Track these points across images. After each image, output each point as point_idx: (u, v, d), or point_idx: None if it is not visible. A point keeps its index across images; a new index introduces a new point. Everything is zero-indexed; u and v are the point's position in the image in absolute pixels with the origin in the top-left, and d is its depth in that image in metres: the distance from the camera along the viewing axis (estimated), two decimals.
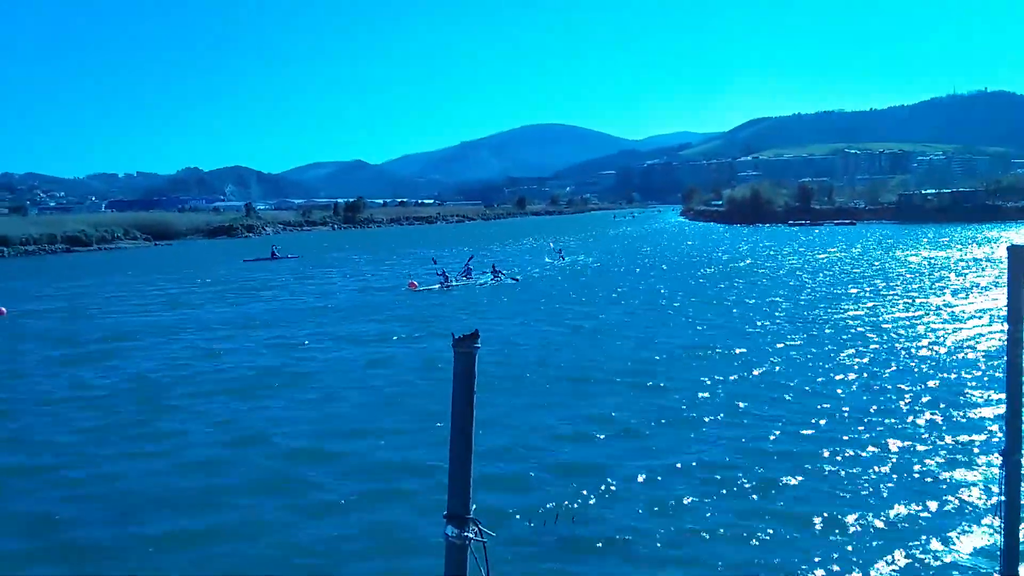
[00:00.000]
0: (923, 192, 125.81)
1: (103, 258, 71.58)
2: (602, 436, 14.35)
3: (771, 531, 10.24)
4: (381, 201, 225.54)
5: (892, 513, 10.61)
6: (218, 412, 16.56)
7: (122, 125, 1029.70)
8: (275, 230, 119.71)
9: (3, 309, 32.42)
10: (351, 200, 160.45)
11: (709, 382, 17.87)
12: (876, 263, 49.08)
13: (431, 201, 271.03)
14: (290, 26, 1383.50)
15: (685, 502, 11.21)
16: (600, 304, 31.96)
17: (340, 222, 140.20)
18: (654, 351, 21.67)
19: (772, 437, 13.96)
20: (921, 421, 14.64)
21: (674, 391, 17.31)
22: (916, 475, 11.98)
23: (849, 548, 9.71)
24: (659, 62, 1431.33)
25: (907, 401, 16.02)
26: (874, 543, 9.81)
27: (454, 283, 39.28)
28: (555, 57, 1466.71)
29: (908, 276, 40.99)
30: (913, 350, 21.05)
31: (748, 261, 51.62)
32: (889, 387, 17.14)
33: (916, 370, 18.76)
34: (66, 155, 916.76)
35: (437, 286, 38.34)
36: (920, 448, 13.13)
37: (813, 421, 14.81)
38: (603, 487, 11.81)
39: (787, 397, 16.66)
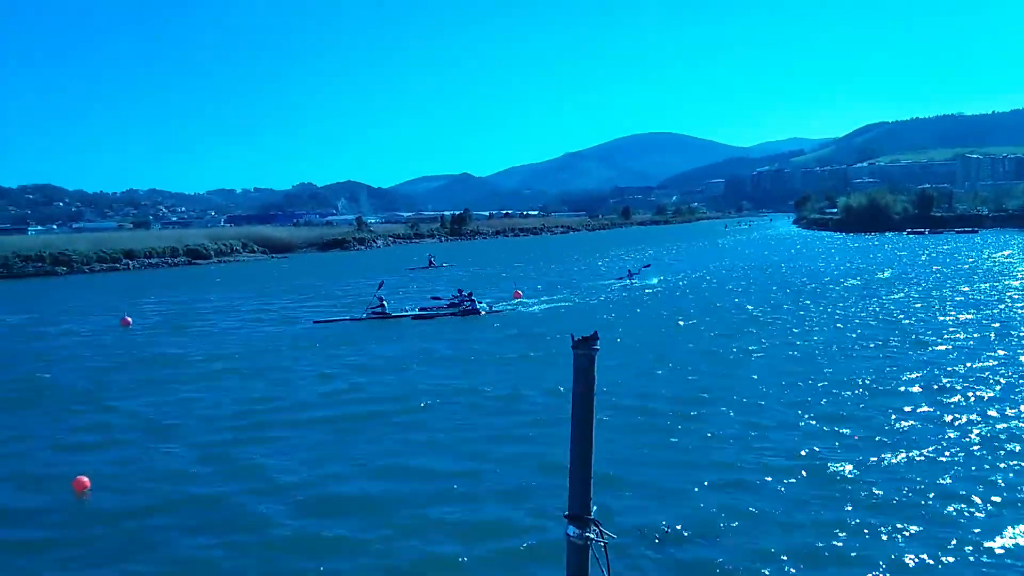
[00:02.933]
0: None
1: (236, 270, 74.54)
2: (733, 450, 14.07)
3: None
4: (487, 213, 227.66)
5: None
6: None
7: (240, 143, 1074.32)
8: (385, 243, 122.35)
9: (128, 319, 33.95)
10: (457, 212, 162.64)
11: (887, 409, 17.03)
12: None
13: (535, 212, 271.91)
14: (400, 47, 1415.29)
15: (831, 529, 10.76)
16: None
17: (446, 234, 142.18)
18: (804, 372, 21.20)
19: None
20: None
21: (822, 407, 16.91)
22: None
23: None
24: (769, 66, 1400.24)
25: None
26: None
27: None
28: (660, 65, 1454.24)
29: None
30: None
31: (887, 272, 48.55)
32: None
33: None
34: (187, 172, 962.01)
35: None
36: None
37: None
38: (734, 504, 11.54)
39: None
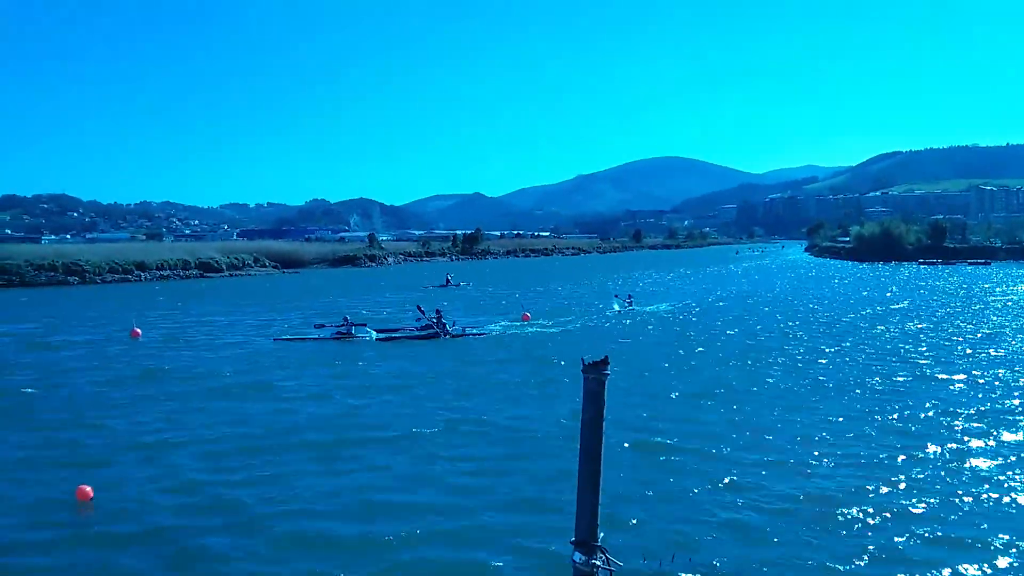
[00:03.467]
0: None
1: (245, 284, 74.74)
2: (738, 475, 13.95)
3: None
4: (498, 233, 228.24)
5: None
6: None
7: (255, 158, 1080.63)
8: (396, 260, 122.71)
9: (137, 330, 34.00)
10: (469, 232, 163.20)
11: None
12: None
13: (547, 233, 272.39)
14: (415, 67, 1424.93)
15: (838, 564, 10.68)
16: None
17: (458, 253, 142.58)
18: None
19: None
20: None
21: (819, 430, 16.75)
22: None
23: None
24: (784, 94, 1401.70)
25: None
26: None
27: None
28: (675, 89, 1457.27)
29: None
30: None
31: (905, 303, 47.71)
32: None
33: None
34: (202, 185, 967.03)
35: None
36: None
37: None
38: (742, 535, 11.39)
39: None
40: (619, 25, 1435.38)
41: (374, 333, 32.00)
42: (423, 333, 31.91)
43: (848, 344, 29.76)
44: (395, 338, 31.88)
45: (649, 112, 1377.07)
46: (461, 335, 32.42)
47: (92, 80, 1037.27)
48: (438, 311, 33.73)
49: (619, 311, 42.07)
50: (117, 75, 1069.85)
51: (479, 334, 33.10)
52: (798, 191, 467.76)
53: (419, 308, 33.60)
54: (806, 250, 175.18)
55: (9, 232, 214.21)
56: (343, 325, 32.65)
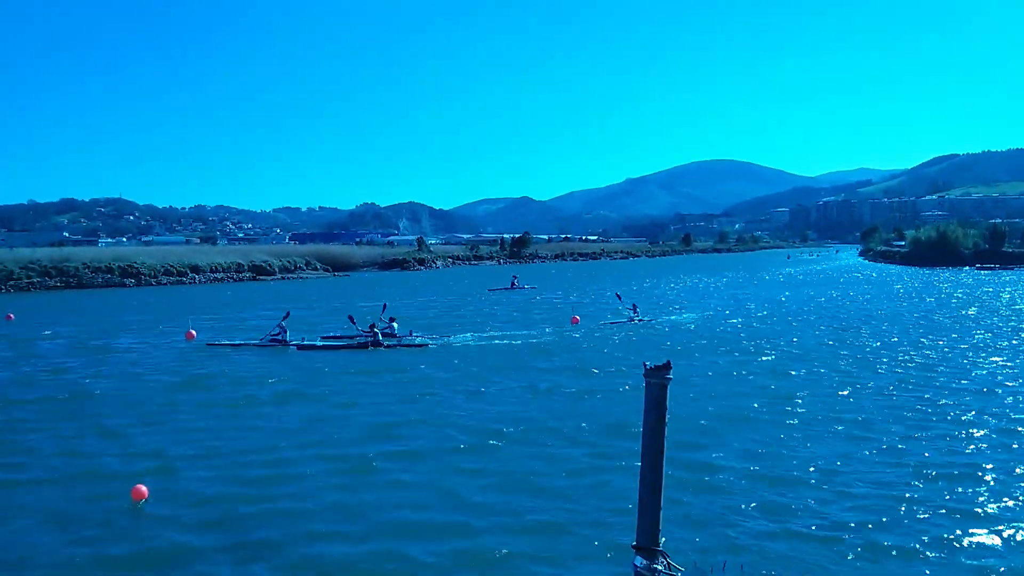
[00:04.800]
0: None
1: (297, 286, 75.66)
2: (803, 475, 13.82)
3: None
4: (546, 237, 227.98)
5: None
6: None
7: (307, 163, 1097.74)
8: (444, 264, 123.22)
9: (192, 332, 34.27)
10: (517, 235, 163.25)
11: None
12: None
13: (595, 237, 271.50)
14: (464, 72, 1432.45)
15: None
16: None
17: (506, 256, 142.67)
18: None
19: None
20: None
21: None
22: None
23: None
24: (838, 95, 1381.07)
25: None
26: None
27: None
28: (725, 91, 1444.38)
29: None
30: None
31: (974, 310, 45.83)
32: None
33: None
34: (255, 190, 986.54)
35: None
36: None
37: None
38: (806, 542, 11.18)
39: None
40: (669, 28, 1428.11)
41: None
42: (355, 343, 30.86)
43: (918, 356, 28.81)
44: (318, 347, 31.00)
45: (700, 114, 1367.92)
46: (396, 346, 30.82)
47: (149, 87, 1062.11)
48: (391, 319, 33.45)
49: (610, 322, 38.47)
50: (174, 82, 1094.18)
51: (420, 345, 31.15)
52: (852, 194, 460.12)
53: (351, 318, 32.43)
54: (860, 254, 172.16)
55: (67, 235, 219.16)
56: (277, 333, 31.60)
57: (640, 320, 38.39)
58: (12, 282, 67.17)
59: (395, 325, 32.93)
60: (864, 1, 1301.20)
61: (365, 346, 30.24)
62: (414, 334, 32.86)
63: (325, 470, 14.58)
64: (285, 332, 31.62)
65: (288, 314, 33.24)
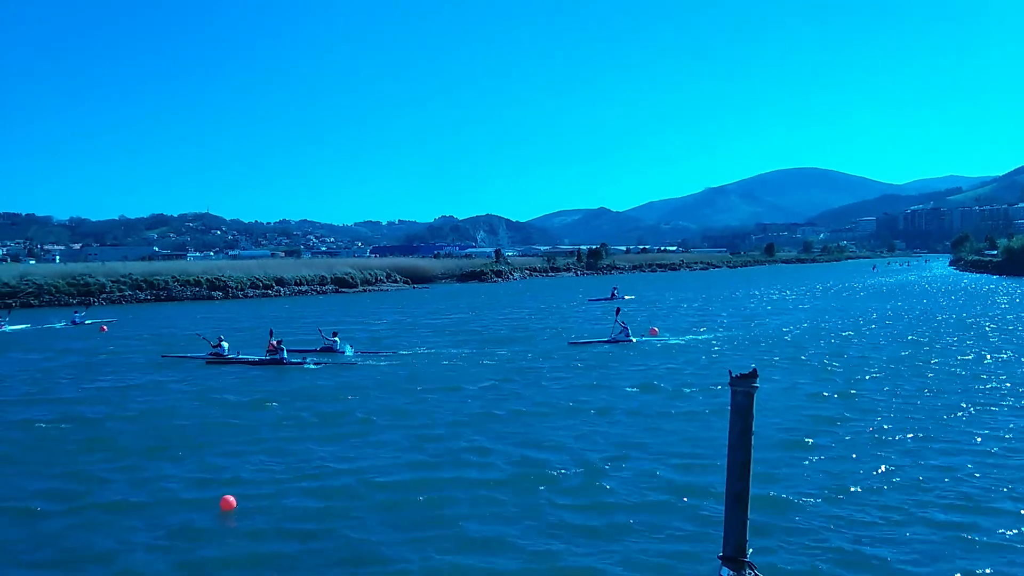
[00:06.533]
0: None
1: (379, 298, 76.79)
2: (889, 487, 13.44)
3: None
4: (624, 248, 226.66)
5: None
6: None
7: (386, 177, 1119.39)
8: (522, 275, 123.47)
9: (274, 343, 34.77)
10: (594, 247, 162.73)
11: None
12: None
13: (675, 248, 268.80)
14: (540, 85, 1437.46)
15: None
16: None
17: (583, 268, 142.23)
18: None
19: None
20: None
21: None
22: None
23: None
24: (925, 101, 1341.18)
25: None
26: None
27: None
28: (807, 97, 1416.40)
29: None
30: None
31: None
32: None
33: None
34: (337, 204, 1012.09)
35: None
36: None
37: None
38: (894, 551, 10.92)
39: None
40: (748, 36, 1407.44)
41: (350, 350, 32.06)
42: (268, 359, 30.36)
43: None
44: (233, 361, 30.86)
45: (781, 122, 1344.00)
46: (300, 363, 29.85)
47: (237, 108, 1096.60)
48: (335, 333, 33.69)
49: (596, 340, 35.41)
50: (261, 105, 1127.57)
51: (318, 363, 29.91)
52: (941, 202, 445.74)
53: (215, 339, 32.30)
54: (951, 264, 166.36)
55: (157, 249, 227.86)
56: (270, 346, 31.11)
57: (628, 339, 34.47)
58: (105, 295, 69.75)
59: (337, 340, 33.05)
60: (954, 4, 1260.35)
61: (279, 362, 29.92)
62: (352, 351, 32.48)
63: (412, 480, 14.74)
64: (223, 345, 31.71)
65: (221, 339, 32.82)
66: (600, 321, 44.43)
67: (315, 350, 32.60)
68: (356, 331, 41.37)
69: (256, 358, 30.95)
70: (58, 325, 47.74)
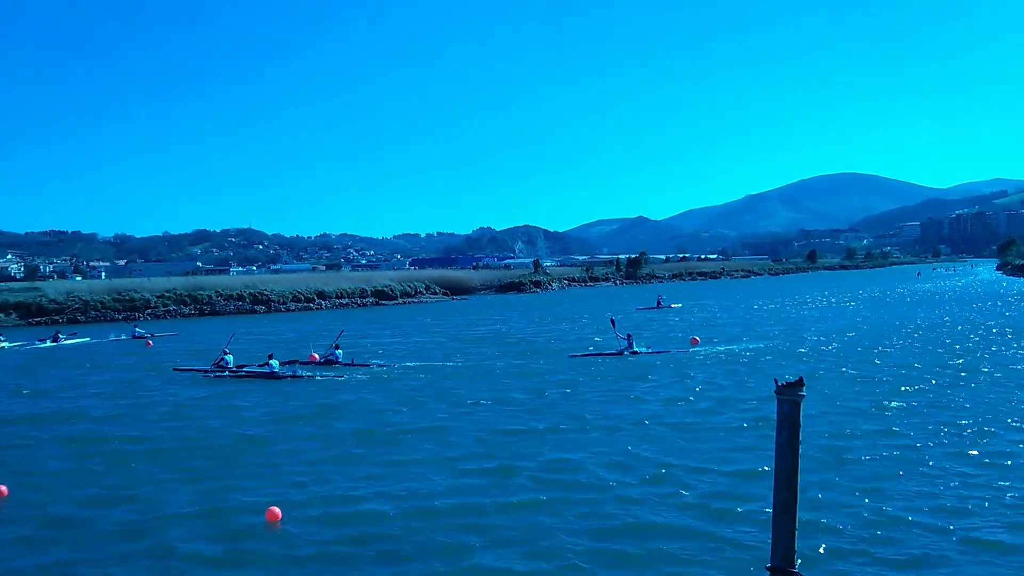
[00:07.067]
0: None
1: (418, 309, 77.22)
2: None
3: None
4: (663, 256, 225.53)
5: None
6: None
7: (424, 190, 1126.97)
8: (560, 286, 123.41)
9: (315, 355, 34.67)
10: (632, 256, 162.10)
11: None
12: None
13: (715, 256, 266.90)
14: (576, 93, 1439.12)
15: None
16: None
17: (621, 277, 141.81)
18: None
19: None
20: None
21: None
22: None
23: None
24: (968, 102, 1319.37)
25: None
26: None
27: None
28: (848, 102, 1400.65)
29: None
30: None
31: None
32: None
33: None
34: (376, 218, 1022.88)
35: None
36: None
37: None
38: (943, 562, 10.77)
39: None
40: (786, 39, 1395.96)
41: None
42: (261, 371, 30.59)
43: None
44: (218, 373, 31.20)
45: (822, 127, 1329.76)
46: (292, 375, 30.02)
47: (278, 124, 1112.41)
48: (336, 344, 34.29)
49: (593, 353, 34.59)
50: (302, 122, 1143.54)
51: (297, 376, 30.01)
52: (987, 206, 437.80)
53: (219, 357, 32.35)
54: (997, 268, 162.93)
55: (200, 264, 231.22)
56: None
57: (634, 352, 33.25)
58: (150, 310, 71.03)
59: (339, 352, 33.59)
60: (999, 4, 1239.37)
61: (273, 376, 30.06)
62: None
63: (454, 486, 14.80)
64: (226, 357, 32.00)
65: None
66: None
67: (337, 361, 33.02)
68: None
69: (307, 373, 30.73)
70: (115, 337, 49.79)
